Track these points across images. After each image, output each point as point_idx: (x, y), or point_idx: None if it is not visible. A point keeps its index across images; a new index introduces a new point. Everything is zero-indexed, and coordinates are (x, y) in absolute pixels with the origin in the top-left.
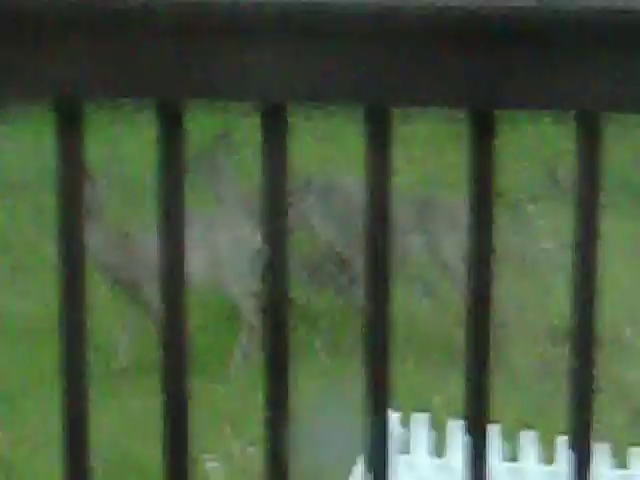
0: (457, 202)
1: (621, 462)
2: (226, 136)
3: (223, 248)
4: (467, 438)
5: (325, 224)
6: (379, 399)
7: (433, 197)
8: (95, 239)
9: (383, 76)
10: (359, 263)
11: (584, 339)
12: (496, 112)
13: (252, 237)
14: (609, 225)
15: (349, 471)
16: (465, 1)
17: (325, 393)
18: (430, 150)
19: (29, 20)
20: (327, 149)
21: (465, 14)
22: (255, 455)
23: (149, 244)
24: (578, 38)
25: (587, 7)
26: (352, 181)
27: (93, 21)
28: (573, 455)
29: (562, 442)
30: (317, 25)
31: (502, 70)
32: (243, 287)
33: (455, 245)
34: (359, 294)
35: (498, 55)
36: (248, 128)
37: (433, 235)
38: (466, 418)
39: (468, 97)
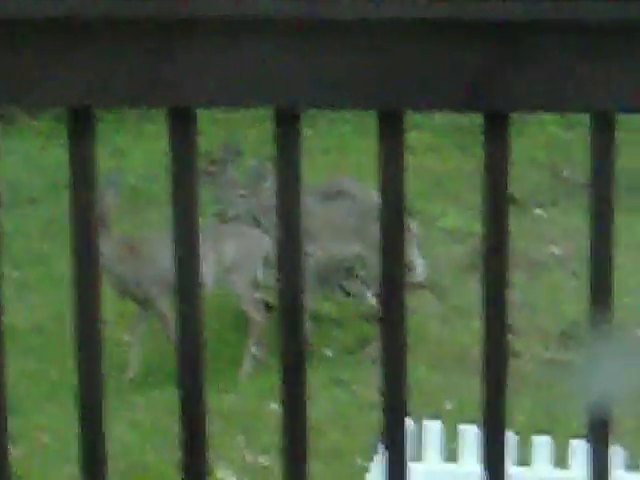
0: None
1: (633, 465)
2: (232, 146)
3: (231, 256)
4: (484, 443)
5: (328, 230)
6: (396, 404)
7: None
8: (104, 250)
9: (396, 80)
10: (366, 268)
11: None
12: (511, 115)
13: (259, 244)
14: (620, 226)
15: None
16: (479, 7)
17: (337, 399)
18: (433, 157)
19: (42, 31)
20: (330, 159)
21: (479, 19)
22: (268, 463)
23: (159, 255)
24: (592, 41)
25: (603, 8)
26: (355, 187)
27: (105, 32)
28: (591, 458)
29: (575, 446)
30: (328, 32)
31: (517, 73)
32: (252, 295)
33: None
34: (366, 300)
35: (513, 59)
36: (253, 137)
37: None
38: (484, 423)
39: (482, 100)
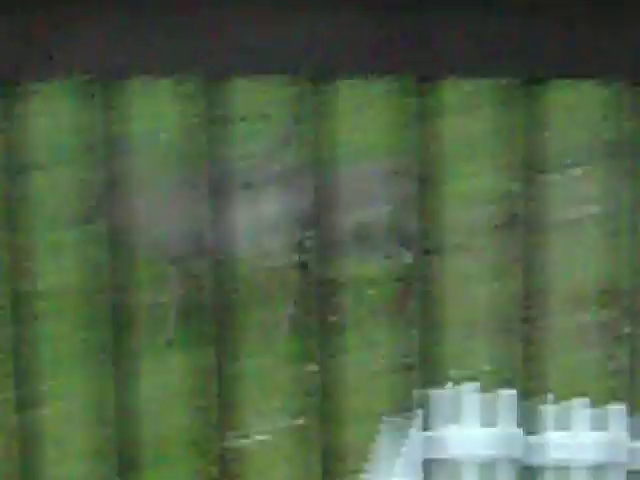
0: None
1: None
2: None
3: (268, 217)
4: (522, 406)
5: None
6: (431, 366)
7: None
8: (138, 211)
9: (433, 46)
10: (406, 230)
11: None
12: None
13: (296, 206)
14: None
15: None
16: None
17: (370, 361)
18: (469, 117)
19: None
20: (363, 117)
21: None
22: (303, 424)
23: (193, 215)
24: (632, 9)
25: None
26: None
27: (139, 1)
28: (631, 421)
29: (612, 409)
30: None
31: (554, 39)
32: (288, 256)
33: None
34: (402, 260)
35: (549, 24)
36: (286, 97)
37: None
38: (522, 386)
39: (520, 66)
